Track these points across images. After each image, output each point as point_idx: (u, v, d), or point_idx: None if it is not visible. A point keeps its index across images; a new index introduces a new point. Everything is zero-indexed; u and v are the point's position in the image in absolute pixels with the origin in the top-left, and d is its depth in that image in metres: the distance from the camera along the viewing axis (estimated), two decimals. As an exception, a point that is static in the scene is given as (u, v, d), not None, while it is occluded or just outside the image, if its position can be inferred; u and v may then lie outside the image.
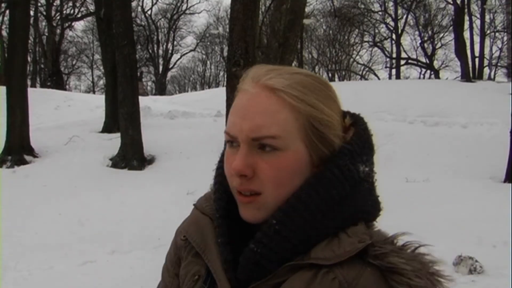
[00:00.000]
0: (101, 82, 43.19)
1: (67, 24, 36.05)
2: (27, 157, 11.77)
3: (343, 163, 0.89)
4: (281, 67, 0.91)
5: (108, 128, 14.19)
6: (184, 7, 46.35)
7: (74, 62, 45.60)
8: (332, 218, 0.86)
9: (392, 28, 39.13)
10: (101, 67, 35.48)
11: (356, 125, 1.02)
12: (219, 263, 0.91)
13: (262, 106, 0.84)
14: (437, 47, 39.33)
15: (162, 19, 46.78)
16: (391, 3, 38.33)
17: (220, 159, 0.97)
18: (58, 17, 35.39)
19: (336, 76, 41.90)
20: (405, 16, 38.74)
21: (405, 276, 0.81)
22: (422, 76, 39.91)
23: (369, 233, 0.89)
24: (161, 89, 44.64)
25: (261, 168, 0.85)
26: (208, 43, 48.90)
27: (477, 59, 32.09)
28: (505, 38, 36.26)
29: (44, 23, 35.21)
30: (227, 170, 0.90)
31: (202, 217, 1.00)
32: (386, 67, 42.08)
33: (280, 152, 0.85)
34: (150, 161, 11.50)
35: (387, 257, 0.83)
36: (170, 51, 47.66)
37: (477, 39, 32.59)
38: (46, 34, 34.25)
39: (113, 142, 12.44)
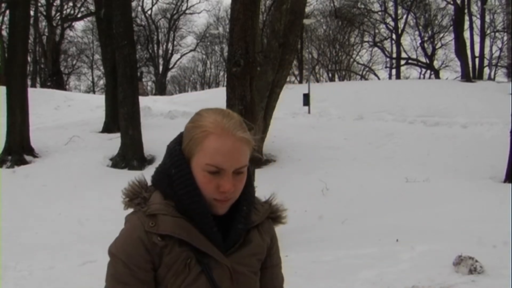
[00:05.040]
0: (101, 82, 43.22)
1: (67, 24, 36.04)
2: (27, 157, 11.78)
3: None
4: (232, 115, 1.36)
5: (108, 128, 14.19)
6: (184, 7, 46.38)
7: (74, 62, 45.60)
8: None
9: (392, 28, 39.14)
10: (101, 67, 35.53)
11: None
12: (210, 243, 1.33)
13: (240, 150, 1.32)
14: (437, 47, 39.35)
15: (162, 19, 46.81)
16: (391, 3, 38.36)
17: (186, 178, 1.33)
18: (58, 17, 35.39)
19: (336, 76, 41.92)
20: (405, 16, 38.77)
21: (283, 219, 1.50)
22: (422, 76, 39.92)
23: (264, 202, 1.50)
24: (161, 89, 44.64)
25: (236, 185, 1.33)
26: (208, 43, 48.91)
27: (477, 59, 32.10)
28: (505, 38, 36.29)
29: (44, 23, 35.22)
30: (210, 189, 1.31)
31: (178, 219, 1.33)
32: (386, 67, 42.13)
33: (244, 173, 1.35)
34: (150, 161, 11.51)
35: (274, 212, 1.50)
36: (170, 51, 47.68)
37: (477, 39, 32.62)
38: (46, 34, 34.25)
39: (113, 142, 12.44)
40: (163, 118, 16.17)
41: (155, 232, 1.31)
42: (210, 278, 1.32)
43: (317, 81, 39.41)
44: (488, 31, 34.69)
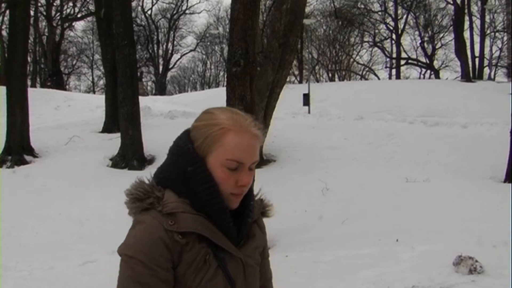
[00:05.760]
0: (101, 82, 43.22)
1: (67, 24, 36.03)
2: (27, 157, 11.78)
3: None
4: (242, 113, 1.42)
5: (108, 128, 14.19)
6: (184, 7, 46.39)
7: (74, 62, 45.59)
8: None
9: (392, 28, 39.14)
10: (101, 67, 35.50)
11: None
12: (226, 238, 1.38)
13: (255, 146, 1.39)
14: (437, 47, 39.34)
15: (162, 19, 46.81)
16: (391, 3, 38.36)
17: (204, 175, 1.36)
18: (58, 17, 35.38)
19: (336, 76, 41.92)
20: (405, 16, 38.76)
21: (271, 212, 1.58)
22: (422, 76, 39.92)
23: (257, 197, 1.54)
24: (161, 89, 44.64)
25: (251, 180, 1.40)
26: (208, 43, 48.89)
27: (477, 59, 32.10)
28: (505, 38, 36.30)
29: (44, 23, 35.21)
30: (230, 184, 1.36)
31: (197, 216, 1.35)
32: (386, 67, 42.13)
33: (254, 168, 1.41)
34: (150, 161, 11.50)
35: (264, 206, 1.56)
36: (170, 51, 47.67)
37: (477, 39, 32.63)
38: (46, 34, 34.25)
39: (113, 142, 12.44)
40: (163, 118, 16.17)
41: (175, 230, 1.32)
42: (226, 272, 1.36)
43: (317, 81, 39.42)
44: (488, 31, 34.70)
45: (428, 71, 39.02)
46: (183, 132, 1.43)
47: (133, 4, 28.58)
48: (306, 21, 22.20)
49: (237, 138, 1.35)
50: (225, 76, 20.88)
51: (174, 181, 1.38)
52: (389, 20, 39.18)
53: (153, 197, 1.36)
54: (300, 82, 34.16)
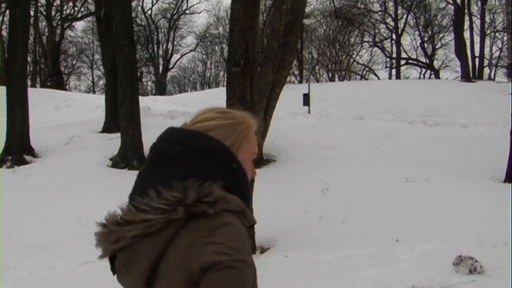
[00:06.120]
0: (101, 82, 43.19)
1: (67, 24, 36.01)
2: (27, 157, 11.78)
3: None
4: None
5: (108, 128, 14.19)
6: (184, 7, 46.35)
7: (74, 62, 45.56)
8: None
9: (392, 28, 39.12)
10: (101, 67, 35.49)
11: None
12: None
13: None
14: (437, 47, 39.33)
15: (162, 19, 46.77)
16: (391, 3, 38.34)
17: (244, 170, 1.43)
18: (58, 17, 35.37)
19: (336, 76, 41.90)
20: (405, 16, 38.74)
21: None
22: (422, 76, 39.90)
23: None
24: (161, 89, 44.62)
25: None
26: (208, 43, 48.86)
27: (477, 59, 32.08)
28: (505, 38, 36.28)
29: (44, 23, 35.19)
30: (251, 174, 1.48)
31: (248, 209, 1.45)
32: (386, 67, 42.11)
33: None
34: (150, 161, 11.50)
35: None
36: (170, 51, 47.65)
37: (477, 39, 32.60)
38: (46, 34, 34.23)
39: (113, 142, 12.44)
40: (163, 118, 16.17)
41: (247, 225, 1.35)
42: None
43: (317, 81, 39.40)
44: (488, 31, 34.69)
45: (428, 71, 39.01)
46: (198, 132, 1.38)
47: (133, 4, 28.57)
48: (306, 21, 22.19)
49: (255, 134, 1.50)
50: (225, 76, 20.88)
51: (222, 178, 1.33)
52: (389, 20, 39.20)
53: (220, 198, 1.30)
54: (300, 82, 34.16)
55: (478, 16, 33.19)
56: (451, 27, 33.31)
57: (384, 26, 39.44)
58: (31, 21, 22.50)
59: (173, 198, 1.27)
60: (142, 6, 43.36)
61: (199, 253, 1.22)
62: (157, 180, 1.32)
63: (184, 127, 1.43)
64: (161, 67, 47.13)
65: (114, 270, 1.39)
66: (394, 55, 39.28)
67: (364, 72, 43.07)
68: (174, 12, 46.17)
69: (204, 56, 51.34)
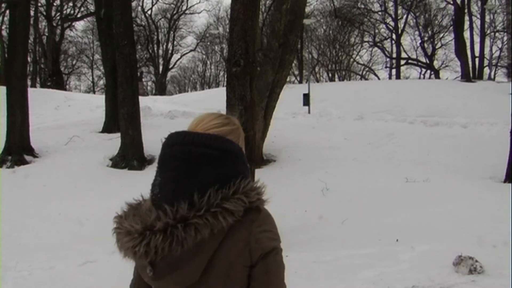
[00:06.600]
0: (101, 82, 43.21)
1: (67, 24, 36.01)
2: (27, 157, 11.77)
3: None
4: None
5: (108, 128, 14.18)
6: (184, 7, 46.39)
7: (74, 62, 45.58)
8: None
9: (392, 28, 39.13)
10: (101, 67, 35.50)
11: None
12: None
13: None
14: (437, 47, 39.34)
15: (162, 19, 46.81)
16: (391, 3, 38.34)
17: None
18: (58, 17, 35.36)
19: (336, 76, 41.90)
20: (405, 16, 38.75)
21: None
22: (422, 76, 39.91)
23: None
24: (161, 89, 44.63)
25: None
26: (208, 43, 48.88)
27: (477, 59, 32.09)
28: (505, 38, 36.29)
29: (44, 23, 35.18)
30: None
31: None
32: (386, 67, 42.12)
33: None
34: (150, 161, 11.50)
35: None
36: (170, 51, 47.68)
37: (477, 39, 32.63)
38: (46, 34, 34.23)
39: (113, 142, 12.44)
40: (163, 118, 16.17)
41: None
42: None
43: (317, 81, 39.41)
44: (488, 31, 34.70)
45: (428, 71, 39.02)
46: (221, 137, 1.52)
47: (133, 4, 28.59)
48: (306, 21, 22.20)
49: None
50: (225, 76, 20.88)
51: (248, 174, 1.54)
52: (389, 20, 39.21)
53: (257, 192, 1.51)
54: (300, 82, 34.16)
55: (478, 16, 33.20)
56: (451, 27, 33.32)
57: (384, 26, 39.49)
58: (31, 21, 22.49)
59: (243, 199, 1.45)
60: (142, 6, 43.43)
61: (257, 240, 1.44)
62: (197, 182, 1.44)
63: (200, 132, 1.53)
64: (161, 67, 47.15)
65: (146, 273, 1.50)
66: (394, 55, 39.29)
67: (364, 72, 43.10)
68: (174, 12, 46.20)
69: (204, 56, 51.42)
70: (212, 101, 19.67)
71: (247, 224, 1.44)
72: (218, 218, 1.39)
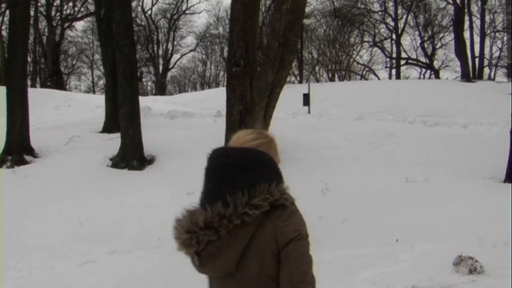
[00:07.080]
0: (101, 82, 43.22)
1: (67, 24, 36.01)
2: (27, 157, 11.76)
3: None
4: None
5: (108, 128, 14.17)
6: (184, 7, 46.38)
7: (74, 62, 45.58)
8: None
9: (392, 28, 39.12)
10: (101, 67, 35.49)
11: None
12: None
13: None
14: (437, 47, 39.34)
15: (162, 19, 46.81)
16: (391, 3, 38.35)
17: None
18: (58, 17, 35.37)
19: (336, 76, 41.91)
20: (405, 16, 38.75)
21: None
22: (422, 76, 39.91)
23: None
24: (161, 89, 44.63)
25: None
26: (208, 43, 48.86)
27: (477, 59, 32.09)
28: (505, 38, 36.29)
29: (44, 23, 35.19)
30: None
31: None
32: (386, 67, 42.12)
33: None
34: (150, 161, 11.50)
35: None
36: (170, 51, 47.67)
37: (477, 39, 32.63)
38: (46, 34, 34.23)
39: (113, 142, 12.43)
40: (163, 118, 16.17)
41: None
42: None
43: (317, 81, 39.41)
44: (488, 31, 34.71)
45: (428, 71, 39.02)
46: (253, 149, 1.88)
47: (133, 4, 28.60)
48: (306, 21, 22.21)
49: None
50: (225, 76, 20.88)
51: (277, 179, 1.85)
52: (389, 20, 39.21)
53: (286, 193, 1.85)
54: (300, 82, 34.16)
55: (478, 16, 33.21)
56: (451, 27, 33.33)
57: (384, 26, 39.49)
58: (31, 21, 22.50)
59: (268, 197, 1.76)
60: (142, 6, 43.44)
61: (283, 232, 1.77)
62: (233, 186, 1.77)
63: (237, 146, 1.91)
64: (161, 67, 47.14)
65: (195, 262, 1.83)
66: (394, 55, 39.29)
67: (364, 72, 43.10)
68: (174, 12, 46.21)
69: (204, 56, 51.41)
70: (212, 101, 19.68)
71: (274, 219, 1.77)
72: (246, 212, 1.71)
